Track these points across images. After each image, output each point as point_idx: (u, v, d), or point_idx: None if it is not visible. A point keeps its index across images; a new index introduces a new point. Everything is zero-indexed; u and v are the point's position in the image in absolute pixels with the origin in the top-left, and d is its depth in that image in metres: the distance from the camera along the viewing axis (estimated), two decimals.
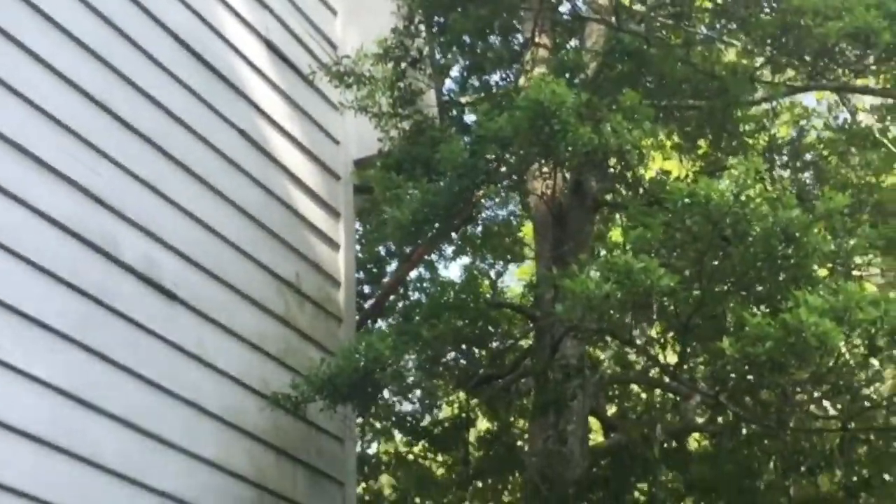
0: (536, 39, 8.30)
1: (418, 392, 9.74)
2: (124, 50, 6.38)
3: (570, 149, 6.19)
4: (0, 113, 5.47)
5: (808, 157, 8.01)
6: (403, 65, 7.62)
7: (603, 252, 8.68)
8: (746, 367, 5.84)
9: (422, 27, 7.65)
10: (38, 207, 5.56)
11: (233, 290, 6.86)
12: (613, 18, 7.51)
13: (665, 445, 7.72)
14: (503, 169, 6.71)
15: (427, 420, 10.29)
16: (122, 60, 6.32)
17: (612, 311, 6.14)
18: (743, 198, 5.77)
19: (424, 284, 10.35)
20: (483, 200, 7.37)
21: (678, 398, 7.96)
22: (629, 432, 7.34)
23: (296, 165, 7.73)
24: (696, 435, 8.51)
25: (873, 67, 7.26)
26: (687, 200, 5.81)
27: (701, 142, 8.32)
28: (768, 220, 5.75)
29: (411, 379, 7.17)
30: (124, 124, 6.24)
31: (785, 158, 8.10)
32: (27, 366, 5.30)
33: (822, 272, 6.41)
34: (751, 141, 8.22)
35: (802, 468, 7.21)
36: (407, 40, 7.58)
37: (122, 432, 5.80)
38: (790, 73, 7.63)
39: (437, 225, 6.66)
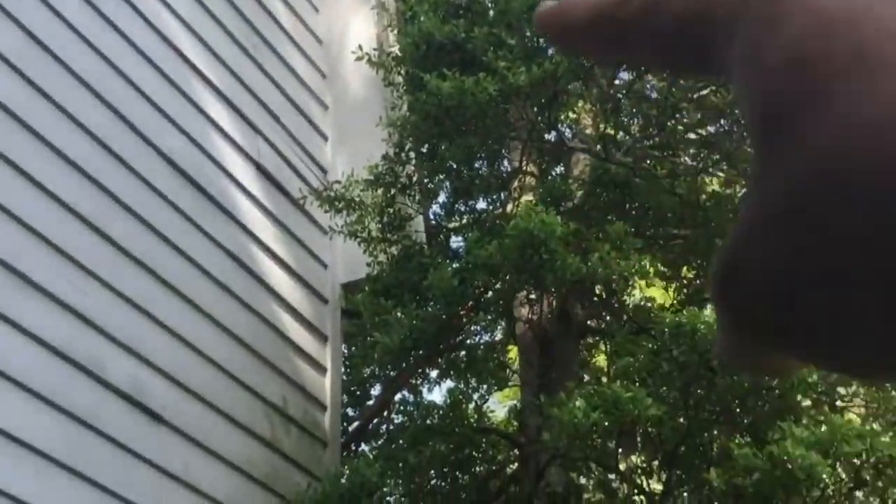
0: (524, 167, 8.43)
1: None
2: (119, 173, 6.48)
3: (558, 277, 6.26)
4: None
5: None
6: (393, 191, 7.72)
7: (588, 378, 8.70)
8: (733, 499, 5.84)
9: (412, 154, 7.76)
10: (29, 329, 5.59)
11: (219, 413, 6.86)
12: (600, 147, 7.64)
13: None
14: (490, 295, 6.76)
15: None
16: (116, 183, 6.41)
17: (598, 439, 6.16)
18: None
19: (409, 408, 10.30)
20: (470, 326, 7.39)
21: None
22: None
23: (284, 288, 7.78)
24: None
25: None
26: (674, 331, 5.86)
27: (685, 269, 8.41)
28: None
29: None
30: (116, 246, 6.31)
31: None
32: (15, 489, 5.27)
33: (807, 402, 6.45)
34: None
35: None
36: (397, 167, 7.69)
37: None
38: None
39: (424, 350, 6.69)
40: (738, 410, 6.11)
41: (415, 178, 7.75)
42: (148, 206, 6.65)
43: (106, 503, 5.81)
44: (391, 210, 7.69)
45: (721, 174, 8.13)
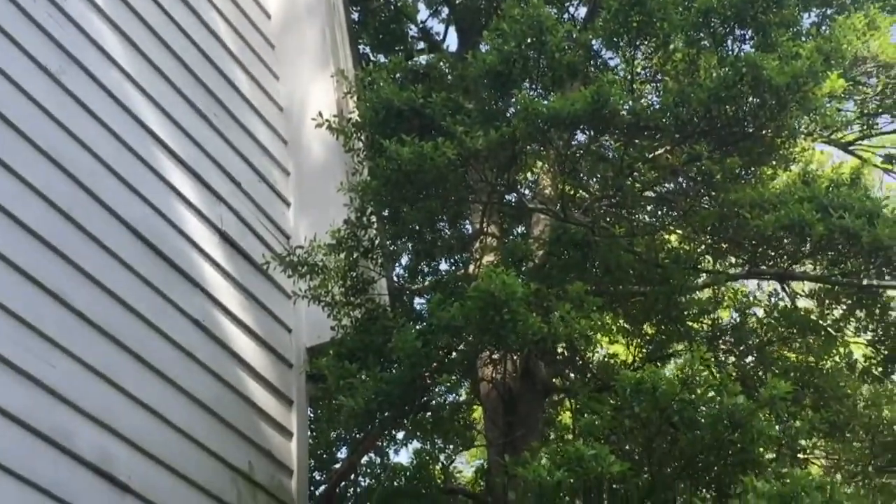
0: (485, 228, 8.53)
1: None
2: (82, 243, 6.52)
3: (520, 337, 6.33)
4: None
5: (750, 342, 8.21)
6: (355, 255, 7.79)
7: (553, 436, 8.76)
8: None
9: (373, 218, 7.84)
10: None
11: (186, 481, 6.85)
12: (558, 207, 7.75)
13: None
14: (454, 356, 6.82)
15: None
16: (79, 253, 6.45)
17: (564, 498, 6.20)
18: (689, 385, 5.91)
19: (376, 470, 10.34)
20: (435, 387, 7.44)
21: None
22: None
23: (249, 354, 7.81)
24: None
25: (808, 257, 7.52)
26: (634, 387, 5.93)
27: (646, 326, 8.51)
28: (714, 406, 5.88)
29: None
30: (80, 316, 6.33)
31: (728, 343, 8.30)
32: None
33: (769, 455, 6.52)
34: (695, 325, 8.43)
35: None
36: (359, 231, 7.76)
37: None
38: (731, 259, 7.88)
39: (391, 412, 6.73)
40: (700, 465, 6.16)
41: (377, 242, 7.82)
42: (112, 275, 6.68)
43: None
44: (354, 274, 7.75)
45: (679, 231, 8.25)
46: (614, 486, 6.16)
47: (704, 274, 7.97)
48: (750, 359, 8.10)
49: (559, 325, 6.32)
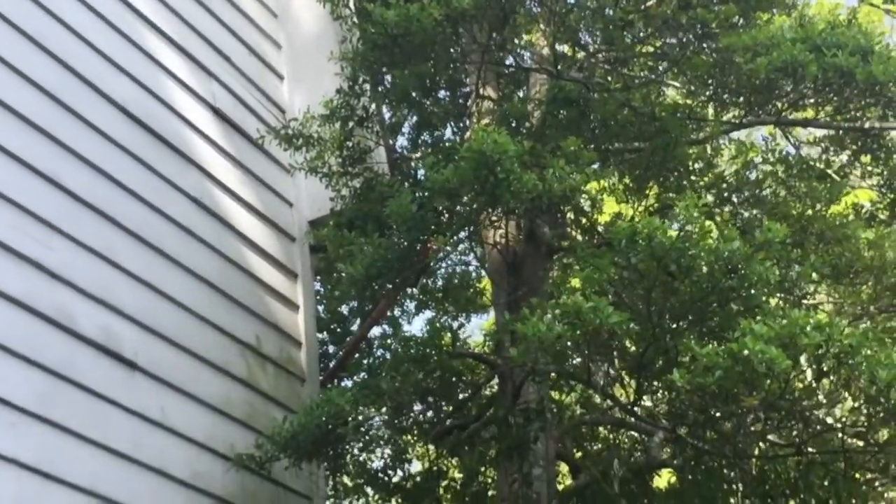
0: (482, 92, 8.44)
1: (388, 448, 9.76)
2: (72, 126, 6.48)
3: (515, 196, 6.30)
4: None
5: (754, 191, 8.15)
6: (350, 124, 7.74)
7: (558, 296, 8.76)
8: (699, 398, 5.93)
9: (367, 86, 7.77)
10: None
11: (193, 356, 6.92)
12: (554, 65, 7.66)
13: (632, 485, 7.77)
14: (453, 220, 6.81)
15: (398, 475, 10.30)
16: (68, 134, 6.42)
17: (568, 353, 6.24)
18: (685, 233, 5.89)
19: (389, 341, 10.39)
20: (438, 252, 7.44)
21: (642, 436, 8.03)
22: (590, 471, 7.40)
23: (250, 229, 7.82)
24: (666, 471, 8.58)
25: (811, 100, 7.42)
26: (630, 239, 5.91)
27: (652, 183, 8.46)
28: (711, 253, 5.86)
29: (377, 432, 7.24)
30: (75, 198, 6.32)
31: (728, 192, 8.24)
32: None
33: (772, 301, 6.52)
34: (696, 179, 8.37)
35: (768, 499, 7.28)
36: (352, 100, 7.70)
37: (87, 502, 5.81)
38: (733, 111, 7.78)
39: (391, 278, 6.74)
40: (700, 312, 6.17)
41: (371, 111, 7.76)
42: (104, 156, 6.66)
43: (84, 451, 5.88)
44: (350, 143, 7.71)
45: (675, 84, 8.15)
46: (617, 338, 6.18)
47: (703, 125, 7.88)
48: (756, 211, 8.05)
49: (554, 181, 6.28)
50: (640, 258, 5.96)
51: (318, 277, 10.33)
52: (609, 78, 8.19)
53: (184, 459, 6.59)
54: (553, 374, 7.17)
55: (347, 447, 7.09)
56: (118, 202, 6.67)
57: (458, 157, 6.40)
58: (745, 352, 5.44)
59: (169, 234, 7.01)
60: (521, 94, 9.83)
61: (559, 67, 7.63)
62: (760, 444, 6.83)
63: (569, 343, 5.92)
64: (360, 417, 6.67)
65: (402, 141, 11.17)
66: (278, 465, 6.88)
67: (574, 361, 6.68)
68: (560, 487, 7.95)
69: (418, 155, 9.28)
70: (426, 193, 6.55)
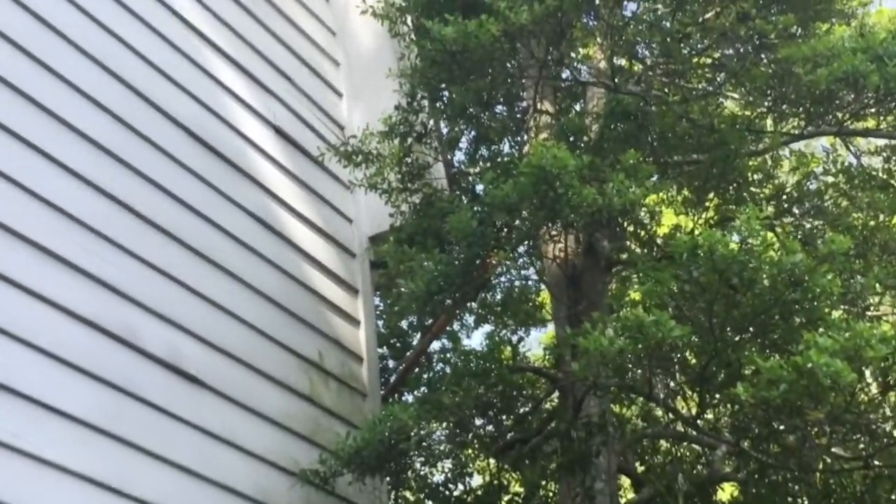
0: (539, 106, 8.45)
1: (449, 462, 9.79)
2: (136, 146, 6.58)
3: (575, 210, 6.31)
4: (16, 211, 5.66)
5: (815, 202, 8.10)
6: (409, 140, 7.78)
7: (620, 309, 8.74)
8: (763, 412, 5.89)
9: (424, 102, 7.81)
10: (57, 302, 5.70)
11: (256, 372, 6.98)
12: (612, 80, 7.65)
13: (695, 498, 7.74)
14: (513, 235, 6.82)
15: (459, 489, 10.32)
16: (134, 156, 6.52)
17: (629, 367, 6.23)
18: (746, 246, 5.86)
19: (448, 355, 10.44)
20: (498, 266, 7.47)
21: (704, 449, 7.99)
22: (654, 485, 7.37)
23: (311, 246, 7.88)
24: (729, 485, 8.53)
25: (872, 110, 7.37)
26: (691, 252, 5.89)
27: (711, 194, 8.43)
28: (773, 266, 5.83)
29: (438, 448, 7.26)
30: (138, 216, 6.42)
31: (789, 204, 8.19)
32: (58, 458, 5.41)
33: (835, 313, 6.47)
34: (756, 190, 8.32)
35: None
36: (411, 116, 7.75)
37: None
38: (792, 121, 7.74)
39: (451, 294, 6.77)
40: (763, 326, 6.13)
41: (430, 126, 7.80)
42: (168, 175, 6.75)
43: (150, 467, 5.94)
44: (409, 159, 7.75)
45: (735, 96, 8.12)
46: (677, 353, 6.16)
47: (762, 136, 7.84)
48: (818, 222, 7.99)
49: (613, 195, 6.28)
50: (701, 271, 5.94)
51: (378, 293, 10.38)
52: (667, 90, 8.17)
53: (248, 474, 6.64)
54: (614, 388, 7.14)
55: (409, 462, 7.10)
56: (181, 220, 6.75)
57: (517, 172, 6.41)
58: (810, 365, 5.40)
59: (231, 251, 7.09)
60: (577, 107, 9.84)
61: (616, 81, 7.62)
62: (826, 457, 6.77)
63: (630, 357, 5.91)
64: (423, 432, 6.68)
65: (459, 156, 11.22)
66: (342, 480, 6.91)
67: (635, 375, 6.65)
68: (623, 501, 7.94)
69: (476, 170, 9.31)
70: (485, 209, 6.56)
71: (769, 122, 8.01)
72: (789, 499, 7.37)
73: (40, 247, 5.70)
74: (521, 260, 8.97)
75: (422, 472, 9.58)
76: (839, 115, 7.48)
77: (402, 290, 6.72)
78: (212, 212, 7.01)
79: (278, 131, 7.89)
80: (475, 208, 6.69)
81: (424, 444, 6.84)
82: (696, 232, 7.49)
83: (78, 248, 5.95)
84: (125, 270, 6.21)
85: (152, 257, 6.42)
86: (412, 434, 6.45)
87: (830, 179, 8.21)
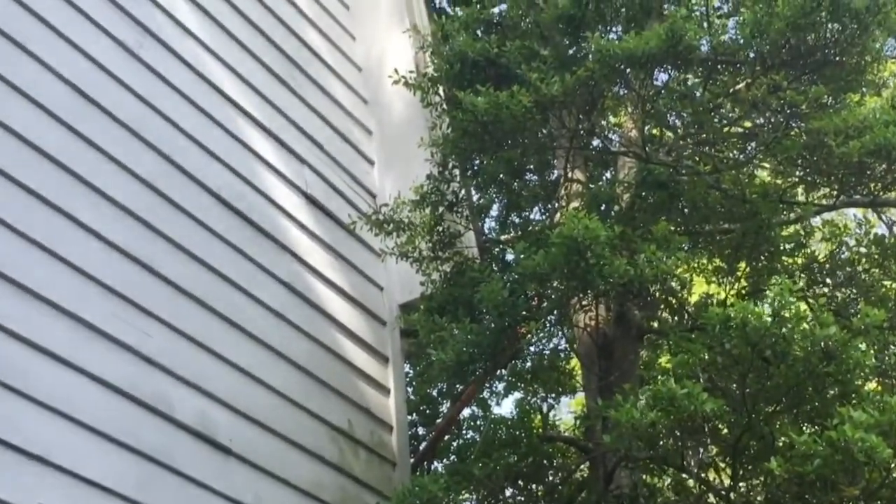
0: (570, 175, 8.48)
1: None
2: (169, 214, 6.62)
3: (606, 281, 6.30)
4: (52, 281, 5.69)
5: (847, 271, 8.07)
6: (440, 209, 7.81)
7: (650, 380, 8.69)
8: (797, 487, 5.84)
9: (456, 171, 7.85)
10: (93, 372, 5.72)
11: (286, 441, 6.96)
12: (643, 149, 7.68)
13: None
14: (544, 304, 6.82)
15: None
16: (167, 224, 6.56)
17: (661, 438, 6.19)
18: (780, 318, 5.84)
19: (478, 422, 10.40)
20: (529, 336, 7.45)
21: None
22: None
23: (341, 314, 7.89)
24: None
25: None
26: (723, 324, 5.87)
27: (742, 264, 8.41)
28: (807, 339, 5.80)
29: None
30: (171, 285, 6.44)
31: (822, 275, 8.16)
32: None
33: (869, 386, 6.42)
34: (788, 260, 8.30)
35: None
36: (442, 185, 7.78)
37: None
38: (823, 190, 7.74)
39: (482, 364, 6.76)
40: (796, 399, 6.10)
41: (461, 195, 7.83)
42: (200, 243, 6.79)
43: None
44: (440, 228, 7.78)
45: (766, 166, 8.12)
46: (710, 425, 6.12)
47: (794, 207, 7.83)
48: (848, 291, 7.96)
49: (645, 266, 6.27)
50: (733, 343, 5.92)
51: (409, 361, 10.37)
52: (698, 159, 8.19)
53: None
54: (645, 459, 7.09)
55: None
56: (212, 288, 6.78)
57: (549, 242, 6.42)
58: (845, 440, 5.35)
59: (262, 319, 7.10)
60: (608, 175, 9.86)
61: (648, 150, 7.64)
62: None
63: (662, 429, 5.88)
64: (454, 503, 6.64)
65: (490, 223, 11.26)
66: None
67: (667, 445, 6.61)
68: None
69: (506, 237, 9.33)
70: (516, 279, 6.57)
71: (799, 191, 8.01)
72: None
73: (74, 315, 5.73)
74: (551, 329, 8.93)
75: None
76: (871, 185, 7.47)
77: (433, 359, 6.70)
78: (244, 280, 7.04)
79: (310, 199, 7.93)
80: (506, 278, 6.69)
81: None
82: (728, 302, 7.47)
83: (112, 317, 5.97)
84: (158, 340, 6.22)
85: (185, 326, 6.43)
86: None
87: (863, 250, 8.18)
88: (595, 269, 6.28)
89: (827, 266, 8.21)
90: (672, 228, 6.72)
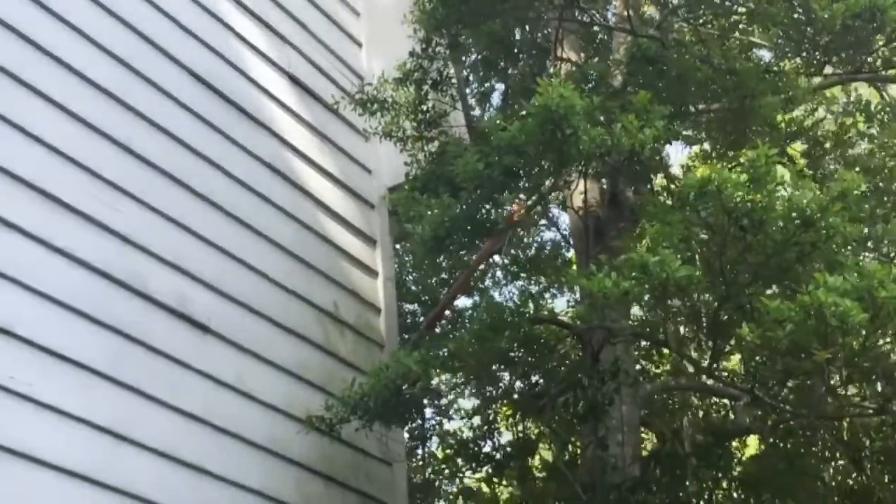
0: (564, 55, 8.33)
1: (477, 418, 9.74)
2: (143, 90, 6.51)
3: (582, 152, 6.18)
4: (20, 157, 5.61)
5: (828, 142, 7.90)
6: (425, 87, 7.69)
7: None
8: (771, 354, 5.76)
9: (440, 49, 7.70)
10: (65, 250, 5.65)
11: (269, 322, 6.93)
12: (629, 25, 7.52)
13: (719, 450, 7.61)
14: (523, 178, 6.71)
15: (489, 446, 10.24)
16: (140, 100, 6.45)
17: (638, 309, 6.12)
18: (757, 184, 5.71)
19: (474, 312, 10.36)
20: (520, 217, 7.33)
21: (721, 401, 7.88)
22: (663, 434, 7.27)
23: (327, 195, 7.81)
24: (754, 437, 8.39)
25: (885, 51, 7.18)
26: (700, 191, 5.75)
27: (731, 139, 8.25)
28: (784, 205, 5.68)
29: (453, 398, 7.20)
30: (146, 163, 6.36)
31: (807, 145, 8.00)
32: (60, 403, 5.37)
33: (852, 257, 6.30)
34: (783, 133, 8.11)
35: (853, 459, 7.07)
36: (426, 63, 7.65)
37: (160, 463, 5.85)
38: (813, 59, 7.54)
39: (460, 239, 6.68)
40: (773, 268, 5.97)
41: (445, 73, 7.69)
42: (177, 122, 6.69)
43: (156, 413, 5.91)
44: (425, 107, 7.66)
45: (751, 31, 7.92)
46: (687, 294, 6.03)
47: (787, 81, 7.65)
48: (838, 166, 7.81)
49: (622, 136, 6.14)
50: (710, 211, 5.80)
51: (406, 245, 10.33)
52: (686, 30, 8.01)
53: (260, 424, 6.60)
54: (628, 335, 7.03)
55: (418, 410, 7.04)
56: (191, 167, 6.68)
57: (524, 113, 6.30)
58: (818, 304, 5.25)
59: (243, 200, 7.02)
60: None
61: (633, 25, 7.47)
62: (840, 403, 6.61)
63: (635, 298, 5.79)
64: (434, 382, 6.60)
65: (493, 112, 11.10)
66: (360, 432, 6.85)
67: (647, 319, 6.54)
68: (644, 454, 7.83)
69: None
70: (491, 150, 6.45)
71: (786, 64, 7.83)
72: (811, 448, 7.23)
73: (46, 193, 5.64)
74: (538, 209, 8.83)
75: (444, 426, 9.53)
76: (868, 59, 7.30)
77: (412, 235, 6.63)
78: (224, 160, 6.94)
79: (293, 79, 7.80)
80: (483, 151, 6.57)
81: (437, 392, 6.76)
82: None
83: (84, 194, 5.89)
84: (133, 217, 6.14)
85: (161, 205, 6.35)
86: (417, 380, 6.37)
87: (850, 119, 8.00)
88: (571, 139, 6.15)
89: (807, 133, 8.02)
90: (654, 100, 6.54)
